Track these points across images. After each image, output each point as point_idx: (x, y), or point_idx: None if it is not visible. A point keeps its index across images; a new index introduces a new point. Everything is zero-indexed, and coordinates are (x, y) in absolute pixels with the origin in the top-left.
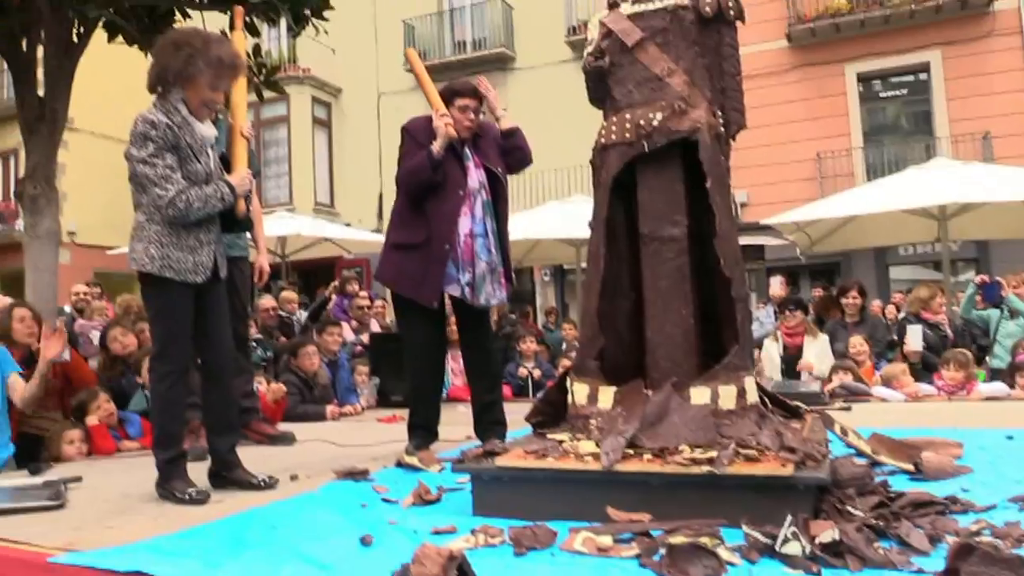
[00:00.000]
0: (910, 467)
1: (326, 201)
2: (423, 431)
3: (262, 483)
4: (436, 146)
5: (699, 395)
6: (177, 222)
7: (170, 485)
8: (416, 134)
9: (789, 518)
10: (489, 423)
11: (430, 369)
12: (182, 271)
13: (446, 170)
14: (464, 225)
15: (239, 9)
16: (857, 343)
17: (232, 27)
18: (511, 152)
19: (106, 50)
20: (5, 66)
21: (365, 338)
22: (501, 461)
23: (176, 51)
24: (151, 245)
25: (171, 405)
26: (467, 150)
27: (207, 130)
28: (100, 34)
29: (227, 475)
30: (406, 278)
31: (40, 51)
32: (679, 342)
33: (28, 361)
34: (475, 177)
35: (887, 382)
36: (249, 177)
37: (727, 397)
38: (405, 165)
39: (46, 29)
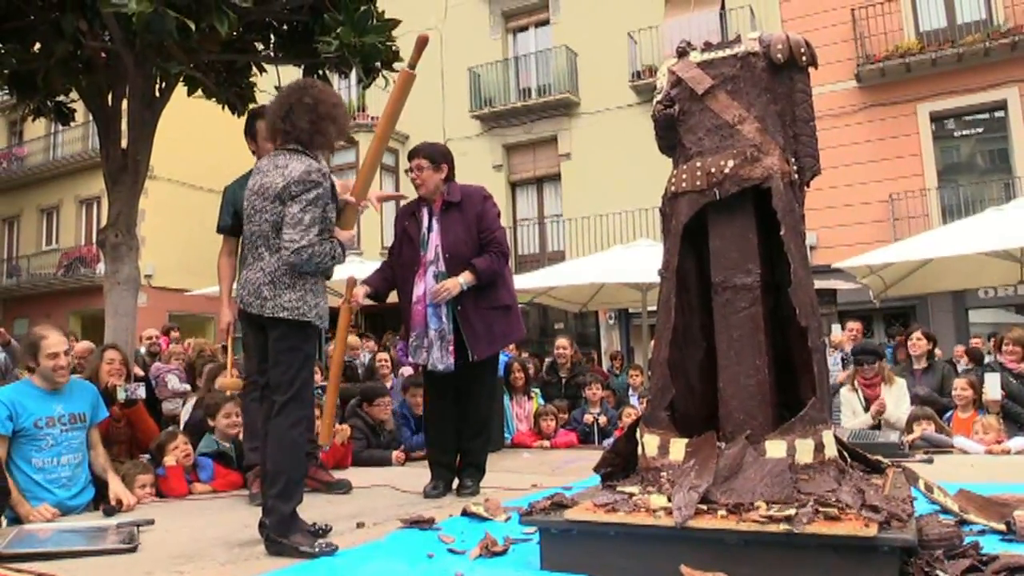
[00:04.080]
0: (1002, 527)
1: None
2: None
3: (319, 531)
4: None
5: (775, 448)
6: (289, 266)
7: (293, 540)
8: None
9: None
10: (465, 464)
11: (435, 423)
12: (321, 317)
13: (406, 243)
14: (416, 292)
15: None
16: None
17: None
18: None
19: (183, 101)
20: (90, 119)
21: None
22: (570, 514)
23: (334, 106)
24: (307, 294)
25: (301, 451)
26: (434, 220)
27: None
28: (180, 87)
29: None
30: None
31: (124, 105)
32: (753, 393)
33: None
34: (432, 247)
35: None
36: (353, 237)
37: (804, 451)
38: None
39: (130, 84)
